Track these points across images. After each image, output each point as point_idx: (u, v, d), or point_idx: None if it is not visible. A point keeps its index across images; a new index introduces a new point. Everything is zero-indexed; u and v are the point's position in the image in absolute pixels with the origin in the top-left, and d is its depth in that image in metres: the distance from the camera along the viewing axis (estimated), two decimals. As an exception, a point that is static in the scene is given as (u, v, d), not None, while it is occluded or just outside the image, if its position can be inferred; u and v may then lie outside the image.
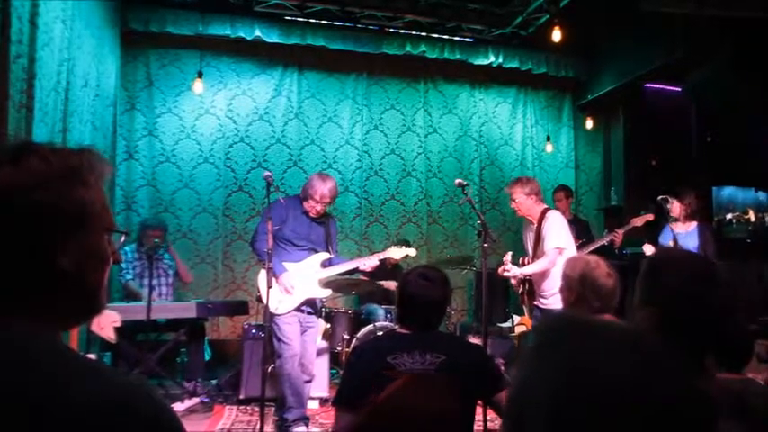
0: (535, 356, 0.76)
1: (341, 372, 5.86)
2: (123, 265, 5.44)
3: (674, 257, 1.77)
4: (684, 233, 5.26)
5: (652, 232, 5.56)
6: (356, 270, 4.77)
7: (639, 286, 1.62)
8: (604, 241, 5.76)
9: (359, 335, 5.55)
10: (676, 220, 5.28)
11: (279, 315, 4.29)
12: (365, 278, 5.65)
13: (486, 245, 4.33)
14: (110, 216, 1.03)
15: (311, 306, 4.53)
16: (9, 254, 0.90)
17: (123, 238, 1.22)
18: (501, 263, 4.78)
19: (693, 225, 5.27)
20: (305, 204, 4.47)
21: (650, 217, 5.54)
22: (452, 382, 2.27)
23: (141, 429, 0.84)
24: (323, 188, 4.38)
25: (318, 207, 4.44)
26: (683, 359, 0.72)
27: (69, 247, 0.93)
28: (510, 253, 4.82)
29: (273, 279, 4.08)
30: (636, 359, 0.70)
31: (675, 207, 5.30)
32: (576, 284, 2.61)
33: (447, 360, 2.41)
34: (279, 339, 4.34)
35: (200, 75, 6.59)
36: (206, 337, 5.81)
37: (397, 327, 5.24)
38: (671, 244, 5.15)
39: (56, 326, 0.97)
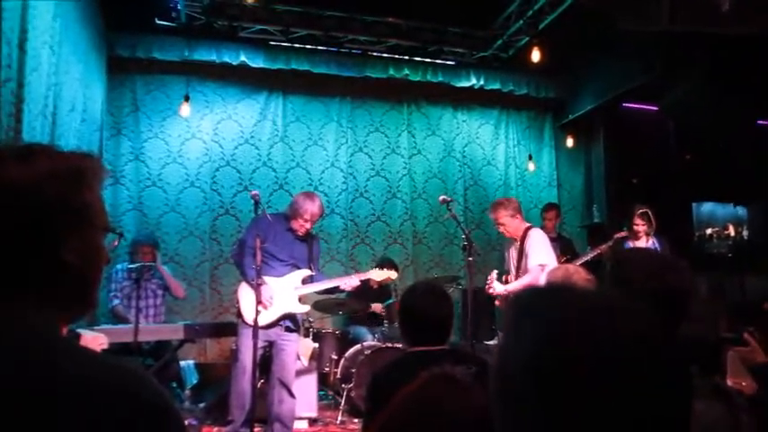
0: (512, 325, 0.80)
1: (330, 392, 5.88)
2: (113, 286, 5.41)
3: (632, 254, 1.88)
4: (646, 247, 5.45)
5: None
6: (337, 289, 4.79)
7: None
8: (588, 258, 5.85)
9: (347, 355, 5.58)
10: (635, 235, 5.53)
11: (248, 326, 4.25)
12: (353, 300, 5.68)
13: (471, 258, 4.40)
14: (107, 217, 1.10)
15: (291, 321, 4.55)
16: (17, 245, 0.95)
17: (117, 241, 1.28)
18: (486, 282, 4.88)
19: (652, 239, 5.46)
20: (293, 223, 4.54)
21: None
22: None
23: (142, 414, 0.88)
24: (312, 207, 4.49)
25: (308, 225, 4.54)
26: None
27: (73, 241, 0.99)
28: (495, 271, 4.92)
29: (256, 293, 4.09)
30: (603, 307, 0.75)
31: (641, 224, 5.52)
32: None
33: (480, 370, 2.38)
34: (237, 348, 4.50)
35: (186, 98, 6.65)
36: (193, 360, 5.81)
37: (387, 345, 5.25)
38: None
39: (56, 318, 1.01)
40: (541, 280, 4.56)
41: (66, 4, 4.57)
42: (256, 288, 4.06)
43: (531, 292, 0.85)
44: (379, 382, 2.39)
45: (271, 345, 4.51)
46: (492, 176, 8.10)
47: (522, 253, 4.87)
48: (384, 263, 5.74)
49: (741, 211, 7.83)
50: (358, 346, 5.58)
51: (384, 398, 2.27)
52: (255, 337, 4.02)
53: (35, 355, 0.88)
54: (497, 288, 4.79)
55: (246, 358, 4.22)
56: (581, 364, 0.70)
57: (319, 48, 7.03)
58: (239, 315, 4.50)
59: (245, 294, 4.40)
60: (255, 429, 4.24)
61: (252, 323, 4.13)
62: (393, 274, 4.95)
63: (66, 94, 4.77)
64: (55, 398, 0.84)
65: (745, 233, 7.59)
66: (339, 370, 5.51)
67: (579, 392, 0.69)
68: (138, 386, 0.91)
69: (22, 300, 0.95)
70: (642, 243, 5.49)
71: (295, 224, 4.53)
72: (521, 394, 0.74)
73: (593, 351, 0.70)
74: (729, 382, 2.62)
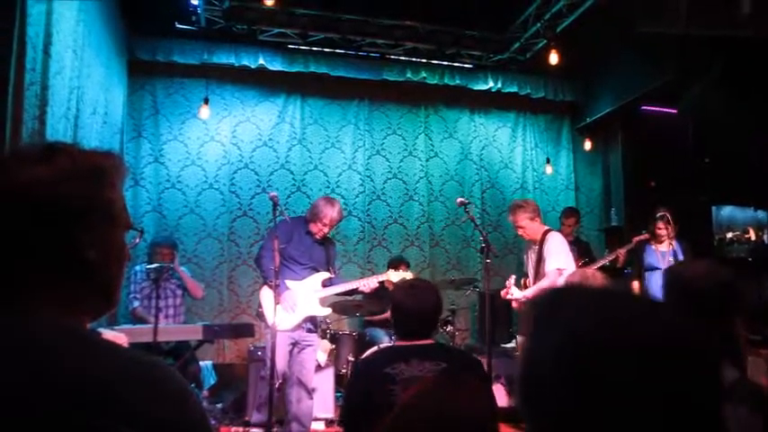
0: (536, 328, 0.80)
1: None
2: (132, 287, 5.46)
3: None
4: (668, 251, 5.40)
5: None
6: (355, 291, 4.84)
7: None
8: (606, 261, 5.83)
9: (363, 357, 5.58)
10: (658, 239, 5.47)
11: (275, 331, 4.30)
12: (369, 302, 5.70)
13: (488, 260, 4.40)
14: (128, 216, 1.12)
15: (312, 323, 4.62)
16: (41, 243, 0.97)
17: (138, 239, 1.30)
18: (504, 287, 4.87)
19: (674, 243, 5.41)
20: (312, 226, 4.61)
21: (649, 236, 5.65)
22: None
23: (170, 404, 0.91)
24: (332, 212, 4.56)
25: (326, 229, 4.62)
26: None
27: (95, 239, 1.01)
28: (513, 277, 4.92)
29: (274, 294, 4.13)
30: (627, 307, 0.76)
31: (663, 227, 5.47)
32: None
33: (448, 368, 2.43)
34: (264, 353, 4.55)
35: (205, 101, 6.72)
36: (211, 361, 5.85)
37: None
38: (670, 260, 5.27)
39: (78, 316, 1.03)
40: (559, 284, 4.56)
41: (89, 9, 4.64)
42: (274, 289, 4.10)
43: (553, 293, 0.85)
44: (360, 368, 2.78)
45: (293, 345, 4.56)
46: (509, 179, 8.08)
47: (540, 256, 4.85)
48: (396, 262, 5.76)
49: (761, 214, 7.73)
50: (374, 348, 5.58)
51: (361, 383, 2.53)
52: (274, 337, 4.06)
53: (59, 351, 0.89)
54: (515, 294, 4.79)
55: (276, 361, 4.25)
56: (609, 363, 0.70)
57: (337, 51, 7.07)
58: (263, 319, 4.53)
59: (269, 298, 4.42)
60: (273, 429, 4.26)
61: (277, 327, 4.19)
62: (409, 275, 4.97)
63: (88, 97, 4.85)
64: (82, 393, 0.85)
65: (765, 237, 7.49)
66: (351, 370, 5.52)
67: (609, 392, 0.69)
68: (163, 379, 0.93)
69: (45, 297, 0.97)
70: (664, 246, 5.45)
71: (314, 227, 4.61)
72: (550, 394, 0.74)
73: (619, 352, 0.70)
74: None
